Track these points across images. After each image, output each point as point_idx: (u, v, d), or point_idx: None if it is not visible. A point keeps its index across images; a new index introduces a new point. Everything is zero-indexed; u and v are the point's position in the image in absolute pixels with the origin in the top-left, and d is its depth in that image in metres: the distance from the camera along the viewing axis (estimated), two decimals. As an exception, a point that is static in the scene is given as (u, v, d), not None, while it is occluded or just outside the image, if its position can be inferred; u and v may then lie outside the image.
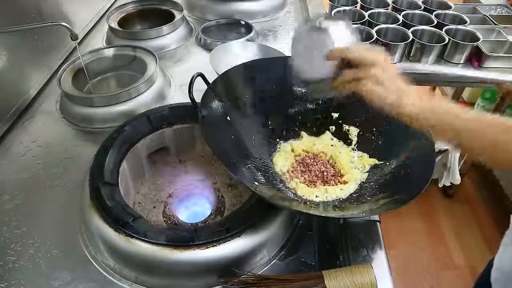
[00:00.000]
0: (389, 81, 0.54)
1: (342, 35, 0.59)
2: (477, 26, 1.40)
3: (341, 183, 0.71)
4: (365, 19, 1.35)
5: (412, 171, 0.67)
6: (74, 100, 0.91)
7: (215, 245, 0.58)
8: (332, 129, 0.81)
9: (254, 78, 0.79)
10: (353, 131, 0.79)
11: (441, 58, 1.30)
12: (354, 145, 0.78)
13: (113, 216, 0.61)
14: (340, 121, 0.80)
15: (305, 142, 0.79)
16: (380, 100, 0.54)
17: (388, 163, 0.72)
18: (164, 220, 0.78)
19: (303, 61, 0.62)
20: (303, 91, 0.82)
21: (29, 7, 0.96)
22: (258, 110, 0.78)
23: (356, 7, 1.46)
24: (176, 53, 1.19)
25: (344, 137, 0.80)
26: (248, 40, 1.18)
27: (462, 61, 1.28)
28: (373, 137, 0.77)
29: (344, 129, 0.80)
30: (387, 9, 1.45)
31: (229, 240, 0.59)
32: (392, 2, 1.48)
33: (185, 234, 0.59)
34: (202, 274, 0.60)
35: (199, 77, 0.69)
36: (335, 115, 0.81)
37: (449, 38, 1.26)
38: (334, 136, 0.80)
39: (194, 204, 0.83)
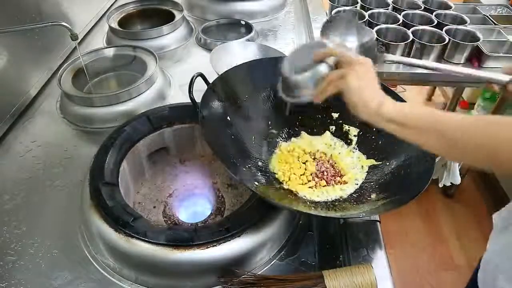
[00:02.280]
0: (369, 80, 0.55)
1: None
2: (477, 26, 1.40)
3: (341, 183, 0.71)
4: (365, 19, 1.35)
5: (412, 171, 0.67)
6: (74, 100, 0.91)
7: (215, 245, 0.58)
8: (332, 129, 0.81)
9: (254, 78, 0.79)
10: (353, 131, 0.79)
11: (441, 58, 1.30)
12: (354, 145, 0.78)
13: (113, 216, 0.61)
14: (340, 121, 0.80)
15: (305, 142, 0.79)
16: (357, 93, 0.53)
17: (388, 163, 0.72)
18: (164, 220, 0.79)
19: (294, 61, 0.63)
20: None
21: (29, 7, 0.96)
22: (258, 110, 0.78)
23: (356, 7, 1.45)
24: (176, 53, 1.19)
25: (344, 137, 0.80)
26: (248, 40, 1.18)
27: (462, 61, 1.28)
28: (373, 137, 0.77)
29: (344, 129, 0.80)
30: (387, 9, 1.45)
31: (229, 240, 0.59)
32: (392, 2, 1.48)
33: (185, 234, 0.59)
34: (202, 274, 0.60)
35: (199, 77, 0.69)
36: (335, 115, 0.81)
37: (449, 38, 1.26)
38: (334, 136, 0.80)
39: (194, 204, 0.83)
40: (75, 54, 1.08)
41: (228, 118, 0.73)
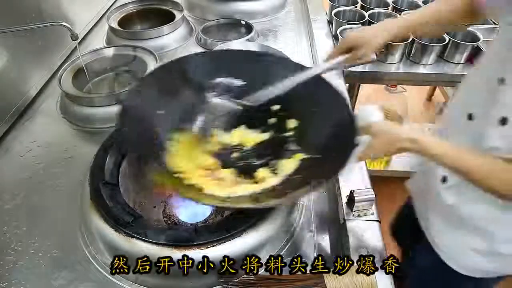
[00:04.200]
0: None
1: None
2: (477, 26, 1.40)
3: (257, 178, 0.67)
4: (365, 19, 1.35)
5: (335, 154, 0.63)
6: (74, 100, 0.91)
7: (215, 245, 0.58)
8: (271, 122, 0.77)
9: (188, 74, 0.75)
10: (291, 123, 0.75)
11: (441, 58, 1.30)
12: (291, 138, 0.74)
13: (113, 216, 0.61)
14: (281, 114, 0.76)
15: (234, 136, 0.75)
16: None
17: (318, 156, 0.67)
18: (165, 220, 0.78)
19: None
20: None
21: (29, 7, 0.96)
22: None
23: (356, 7, 1.45)
24: (176, 53, 1.19)
25: (281, 130, 0.75)
26: (248, 40, 1.18)
27: (462, 61, 1.28)
28: (310, 130, 0.72)
29: (282, 121, 0.76)
30: (387, 9, 1.45)
31: (229, 240, 0.59)
32: (393, 2, 1.48)
33: (185, 234, 0.59)
34: (202, 274, 0.59)
35: None
36: (276, 107, 0.76)
37: (449, 38, 1.26)
38: (270, 129, 0.76)
39: (194, 204, 0.83)
40: (75, 54, 1.08)
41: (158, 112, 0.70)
